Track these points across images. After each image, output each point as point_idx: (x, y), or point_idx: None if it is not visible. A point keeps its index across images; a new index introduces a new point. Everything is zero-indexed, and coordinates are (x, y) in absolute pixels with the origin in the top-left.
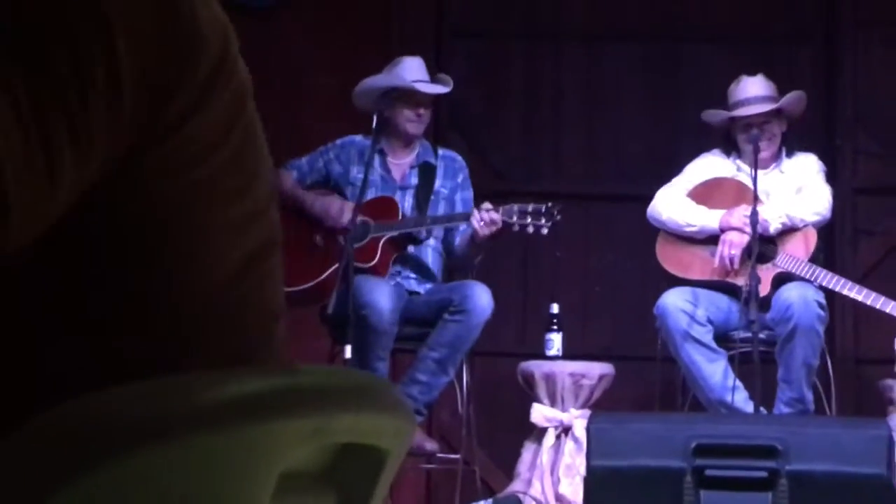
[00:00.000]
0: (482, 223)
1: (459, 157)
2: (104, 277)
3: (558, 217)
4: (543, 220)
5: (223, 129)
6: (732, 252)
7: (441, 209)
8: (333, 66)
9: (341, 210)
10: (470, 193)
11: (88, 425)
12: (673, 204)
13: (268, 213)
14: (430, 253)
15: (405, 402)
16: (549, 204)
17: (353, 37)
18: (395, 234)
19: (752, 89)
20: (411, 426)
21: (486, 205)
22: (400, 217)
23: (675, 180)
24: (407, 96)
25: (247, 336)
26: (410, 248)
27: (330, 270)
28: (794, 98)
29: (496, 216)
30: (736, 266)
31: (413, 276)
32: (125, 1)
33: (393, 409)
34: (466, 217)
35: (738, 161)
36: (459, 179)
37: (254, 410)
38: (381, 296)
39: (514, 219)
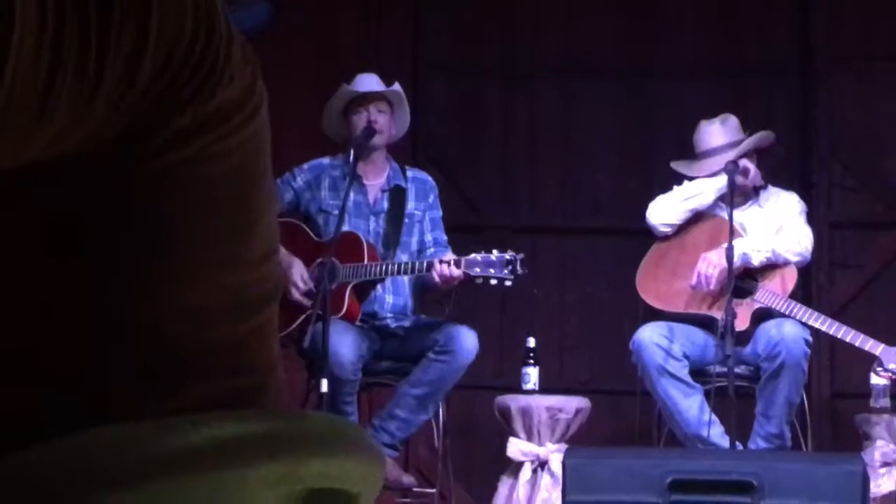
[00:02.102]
0: (441, 278)
1: (430, 178)
2: (65, 292)
3: (521, 271)
4: (506, 272)
5: (231, 170)
6: (710, 271)
7: (415, 233)
8: (310, 100)
9: (302, 278)
10: (438, 213)
11: (51, 473)
12: (668, 195)
13: (265, 265)
14: (406, 282)
15: (375, 445)
16: (512, 254)
17: (330, 70)
18: (361, 280)
19: (714, 140)
20: (381, 470)
21: (448, 256)
22: (365, 251)
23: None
24: (352, 104)
25: (239, 382)
26: (380, 287)
27: (301, 318)
28: (757, 139)
29: (456, 272)
30: (711, 286)
31: (389, 314)
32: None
33: (363, 452)
34: (429, 268)
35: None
36: (430, 200)
37: (223, 456)
38: (343, 346)
39: (477, 271)
